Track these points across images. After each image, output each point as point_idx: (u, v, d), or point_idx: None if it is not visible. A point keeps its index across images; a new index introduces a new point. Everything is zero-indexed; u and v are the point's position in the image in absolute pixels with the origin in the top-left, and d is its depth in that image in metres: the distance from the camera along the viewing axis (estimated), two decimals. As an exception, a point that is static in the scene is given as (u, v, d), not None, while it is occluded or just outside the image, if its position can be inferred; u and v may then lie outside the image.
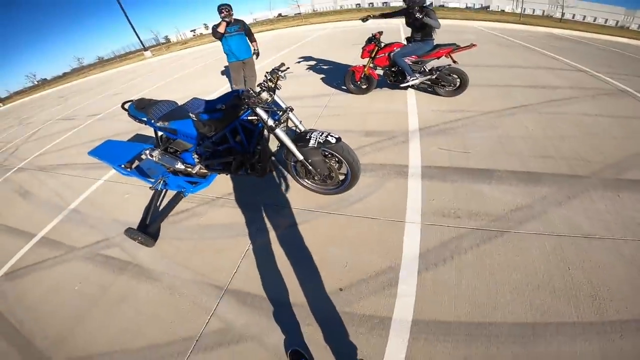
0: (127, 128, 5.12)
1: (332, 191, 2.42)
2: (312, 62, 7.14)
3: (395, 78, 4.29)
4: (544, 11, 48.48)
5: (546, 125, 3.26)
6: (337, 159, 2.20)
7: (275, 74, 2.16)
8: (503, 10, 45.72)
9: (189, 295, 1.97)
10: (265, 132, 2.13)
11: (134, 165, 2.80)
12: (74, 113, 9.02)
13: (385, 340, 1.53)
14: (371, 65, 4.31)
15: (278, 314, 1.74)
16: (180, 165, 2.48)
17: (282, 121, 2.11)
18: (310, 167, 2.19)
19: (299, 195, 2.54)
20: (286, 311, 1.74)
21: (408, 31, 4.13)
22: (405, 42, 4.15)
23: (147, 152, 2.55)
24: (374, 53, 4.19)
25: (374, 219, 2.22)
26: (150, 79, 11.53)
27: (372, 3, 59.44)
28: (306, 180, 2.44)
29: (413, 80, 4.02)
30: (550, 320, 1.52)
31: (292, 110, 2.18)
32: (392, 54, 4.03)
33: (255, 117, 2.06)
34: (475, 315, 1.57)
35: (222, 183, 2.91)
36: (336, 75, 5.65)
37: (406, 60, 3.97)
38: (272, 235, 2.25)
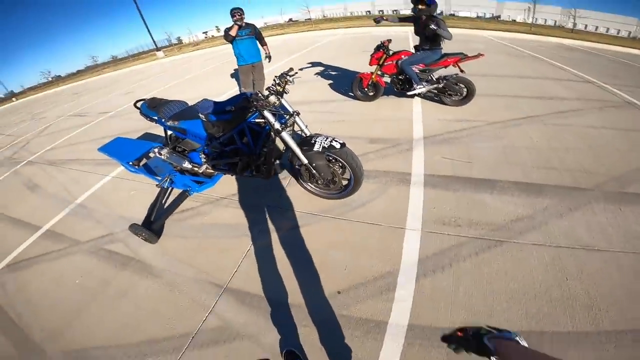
0: (137, 126, 5.22)
1: (334, 196, 2.45)
2: (321, 68, 7.20)
3: (402, 86, 4.31)
4: (555, 21, 48.03)
5: (551, 136, 3.26)
6: (340, 164, 2.24)
7: (284, 78, 2.21)
8: (514, 20, 45.54)
9: (188, 292, 2.00)
10: (272, 134, 2.17)
11: (141, 163, 2.87)
12: (85, 110, 9.21)
13: (380, 344, 1.54)
14: (379, 72, 4.33)
15: (276, 314, 1.76)
16: (187, 165, 2.54)
17: (288, 125, 2.15)
18: (314, 171, 2.23)
19: (302, 199, 2.57)
20: (284, 312, 1.76)
21: (417, 39, 4.16)
22: (413, 51, 4.18)
23: (156, 150, 2.61)
24: (382, 60, 4.22)
25: (375, 224, 2.24)
26: (161, 79, 11.73)
27: (382, 10, 59.70)
28: (310, 184, 2.48)
29: (420, 88, 4.04)
30: (546, 329, 1.52)
31: (298, 114, 2.23)
32: (400, 61, 4.05)
33: (263, 120, 2.10)
34: (471, 322, 1.58)
35: (227, 184, 2.95)
36: (344, 82, 5.69)
37: (414, 69, 3.99)
38: (274, 236, 2.28)
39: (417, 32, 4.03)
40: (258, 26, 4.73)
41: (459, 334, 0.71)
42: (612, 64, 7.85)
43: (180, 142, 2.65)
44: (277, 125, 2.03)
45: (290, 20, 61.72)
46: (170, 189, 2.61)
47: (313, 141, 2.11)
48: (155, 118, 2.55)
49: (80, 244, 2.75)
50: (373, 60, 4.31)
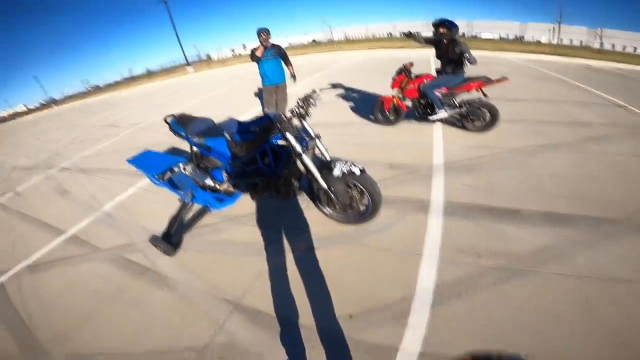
0: (164, 139, 5.45)
1: (351, 220, 2.43)
2: (342, 90, 7.29)
3: (424, 110, 4.26)
4: (582, 41, 46.39)
5: (578, 164, 3.13)
6: (359, 190, 2.22)
7: (307, 100, 2.23)
8: (539, 41, 44.51)
9: (201, 306, 2.02)
10: (293, 157, 2.20)
11: (166, 177, 2.97)
12: (118, 120, 9.77)
13: (391, 372, 1.48)
14: (400, 96, 4.32)
15: (285, 334, 1.74)
16: (209, 181, 2.61)
17: (309, 148, 2.17)
18: (333, 196, 2.23)
19: (319, 221, 2.56)
20: (294, 332, 1.74)
21: (438, 63, 4.13)
22: (435, 74, 4.16)
23: (181, 165, 2.70)
24: (404, 84, 4.22)
25: (391, 250, 2.20)
26: (190, 94, 12.34)
27: (403, 32, 60.54)
28: (327, 207, 2.47)
29: (442, 113, 3.99)
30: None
31: (319, 137, 2.25)
32: (422, 85, 4.03)
33: (285, 142, 2.14)
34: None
35: (246, 202, 3.00)
36: (365, 104, 5.72)
37: (436, 93, 3.95)
38: (289, 257, 2.28)
39: (439, 56, 4.01)
40: (283, 46, 4.87)
41: (468, 358, 0.68)
42: (643, 86, 7.51)
43: (204, 159, 2.73)
44: (298, 148, 2.06)
45: (314, 41, 63.68)
46: (191, 204, 2.68)
47: (333, 166, 2.11)
48: (183, 134, 2.66)
49: (101, 251, 2.86)
50: (395, 84, 4.31)
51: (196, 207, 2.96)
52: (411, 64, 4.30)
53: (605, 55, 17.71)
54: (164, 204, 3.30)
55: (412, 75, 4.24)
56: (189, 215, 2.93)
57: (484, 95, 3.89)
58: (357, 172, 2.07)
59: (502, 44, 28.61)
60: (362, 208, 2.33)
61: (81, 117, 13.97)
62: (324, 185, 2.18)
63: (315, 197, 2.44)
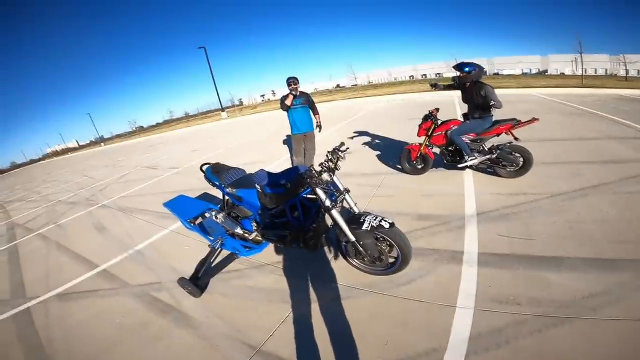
0: (198, 185, 5.74)
1: (380, 272, 2.34)
2: (368, 138, 7.35)
3: (452, 158, 4.12)
4: (606, 70, 44.51)
5: (623, 206, 2.88)
6: (388, 243, 2.17)
7: (336, 154, 2.28)
8: (562, 73, 43.51)
9: (221, 348, 2.01)
10: (322, 210, 2.21)
11: (197, 221, 3.10)
12: (158, 163, 10.55)
13: None
14: (427, 143, 4.21)
15: None
16: (239, 230, 2.67)
17: (338, 202, 2.19)
18: (361, 249, 2.18)
19: (346, 272, 2.49)
20: None
21: (465, 107, 4.06)
22: (462, 119, 4.09)
23: (213, 213, 2.81)
24: (431, 131, 4.14)
25: (422, 301, 2.08)
26: (223, 139, 13.19)
27: (425, 74, 62.21)
28: (355, 259, 2.41)
29: (471, 160, 3.86)
30: None
31: (348, 191, 2.26)
32: (449, 132, 3.94)
33: (314, 196, 2.17)
34: None
35: (273, 250, 3.01)
36: (391, 152, 5.71)
37: (464, 139, 3.86)
38: (314, 306, 2.23)
39: (465, 100, 3.95)
40: (309, 91, 5.05)
41: None
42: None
43: (235, 208, 2.83)
44: (328, 203, 2.08)
45: (338, 86, 67.27)
46: (220, 249, 2.73)
47: (362, 220, 2.10)
48: (217, 184, 2.81)
49: (130, 286, 2.98)
50: (421, 131, 4.24)
51: (224, 252, 3.00)
52: (437, 110, 4.23)
53: (633, 83, 16.78)
54: (193, 248, 3.40)
55: (439, 122, 4.17)
56: (217, 260, 2.96)
57: (515, 138, 3.72)
58: (387, 226, 2.03)
59: (526, 79, 28.20)
60: (390, 260, 2.25)
61: (125, 158, 15.29)
62: (352, 239, 2.14)
63: (343, 249, 2.39)
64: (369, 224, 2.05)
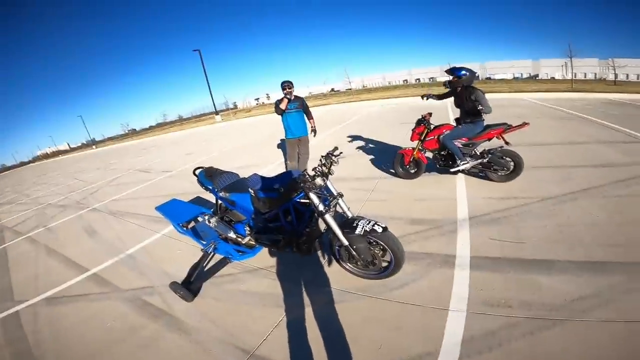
0: (191, 189, 5.67)
1: (373, 276, 2.35)
2: (361, 142, 7.39)
3: (444, 162, 4.17)
4: (595, 74, 45.22)
5: (613, 210, 2.93)
6: (381, 247, 2.18)
7: (329, 159, 2.28)
8: (553, 78, 44.24)
9: (214, 352, 2.00)
10: (315, 215, 2.22)
11: (190, 226, 3.06)
12: (150, 166, 10.43)
13: None
14: (420, 148, 4.25)
15: None
16: (232, 234, 2.65)
17: (331, 207, 2.20)
18: (354, 253, 2.19)
19: (339, 276, 2.49)
20: None
21: (457, 111, 4.12)
22: (454, 124, 4.13)
23: (206, 217, 2.79)
24: (424, 135, 4.18)
25: (415, 305, 2.10)
26: (218, 143, 13.10)
27: (418, 79, 62.71)
28: (348, 264, 2.41)
29: (463, 164, 3.91)
30: None
31: (342, 196, 2.27)
32: (441, 136, 3.98)
33: (307, 200, 2.18)
34: None
35: (266, 255, 3.00)
36: (384, 157, 5.74)
37: (456, 143, 3.91)
38: (308, 310, 2.22)
39: (457, 104, 4.02)
40: (303, 95, 5.04)
41: None
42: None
43: (228, 213, 2.81)
44: (321, 208, 2.08)
45: (332, 90, 67.45)
46: (212, 254, 2.71)
47: (355, 224, 2.11)
48: (210, 188, 2.79)
49: (121, 291, 2.94)
50: (414, 136, 4.29)
51: (217, 257, 2.98)
52: (430, 115, 4.28)
53: (622, 87, 17.24)
54: (186, 252, 3.36)
55: (432, 126, 4.22)
56: (210, 264, 2.94)
57: (506, 142, 3.78)
58: (380, 230, 2.05)
59: (517, 84, 28.71)
60: (384, 264, 2.27)
61: (117, 161, 15.10)
62: (346, 243, 2.15)
63: (337, 253, 2.40)
64: (362, 228, 2.06)
